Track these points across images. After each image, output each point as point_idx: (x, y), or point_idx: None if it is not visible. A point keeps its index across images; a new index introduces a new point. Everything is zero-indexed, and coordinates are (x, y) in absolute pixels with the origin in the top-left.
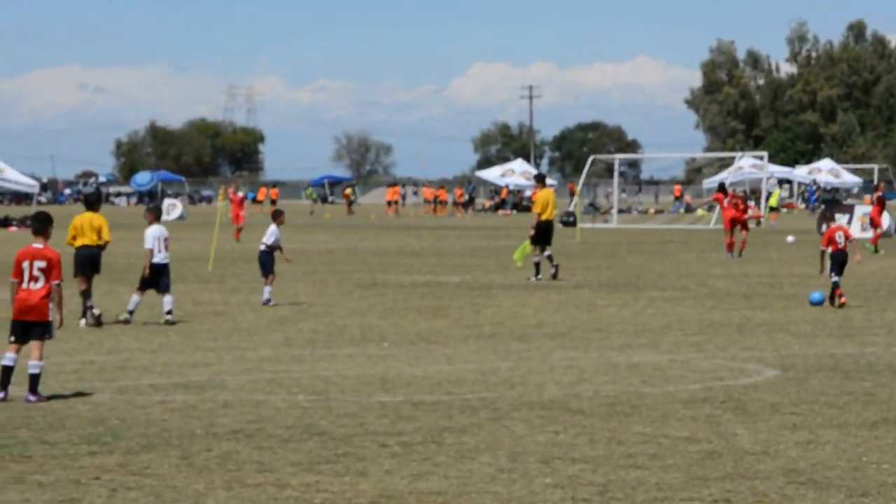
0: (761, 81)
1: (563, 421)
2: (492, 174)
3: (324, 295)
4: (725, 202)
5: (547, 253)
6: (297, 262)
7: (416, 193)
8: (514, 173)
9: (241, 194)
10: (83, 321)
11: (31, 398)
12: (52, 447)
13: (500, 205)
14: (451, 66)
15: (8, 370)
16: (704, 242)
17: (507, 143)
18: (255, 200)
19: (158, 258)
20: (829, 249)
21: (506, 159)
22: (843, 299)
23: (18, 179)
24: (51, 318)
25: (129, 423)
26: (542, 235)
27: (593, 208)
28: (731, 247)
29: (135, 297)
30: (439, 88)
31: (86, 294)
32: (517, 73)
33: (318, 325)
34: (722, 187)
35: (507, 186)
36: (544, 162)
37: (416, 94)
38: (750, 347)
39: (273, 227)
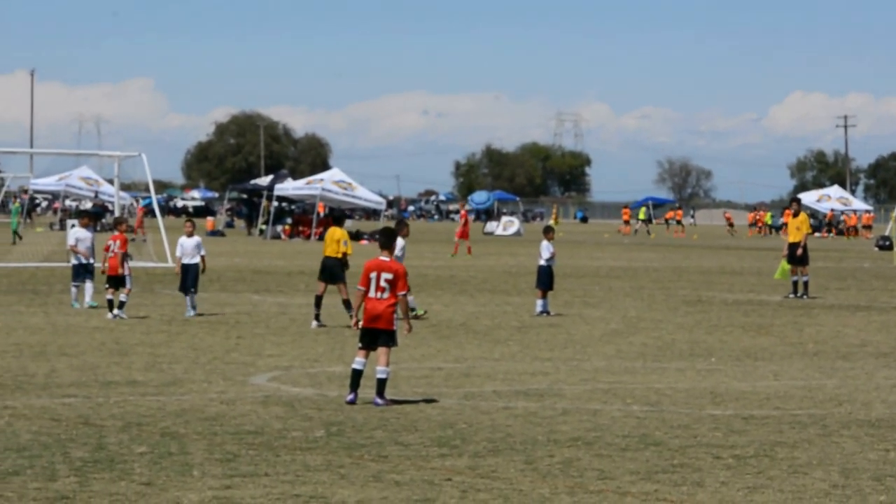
0: None
1: (893, 439)
2: (809, 198)
3: (652, 310)
4: None
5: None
6: (624, 278)
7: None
8: (831, 199)
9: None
10: (314, 323)
11: (379, 401)
12: (405, 448)
13: (818, 227)
14: (770, 95)
15: (357, 374)
16: None
17: (822, 169)
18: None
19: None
20: None
21: (821, 185)
22: None
23: (368, 197)
24: (395, 328)
25: (475, 427)
26: (792, 256)
27: None
28: None
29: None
30: (758, 116)
31: (319, 299)
32: (833, 102)
33: (647, 339)
34: None
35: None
36: (859, 189)
37: (736, 122)
38: None
39: (546, 243)
